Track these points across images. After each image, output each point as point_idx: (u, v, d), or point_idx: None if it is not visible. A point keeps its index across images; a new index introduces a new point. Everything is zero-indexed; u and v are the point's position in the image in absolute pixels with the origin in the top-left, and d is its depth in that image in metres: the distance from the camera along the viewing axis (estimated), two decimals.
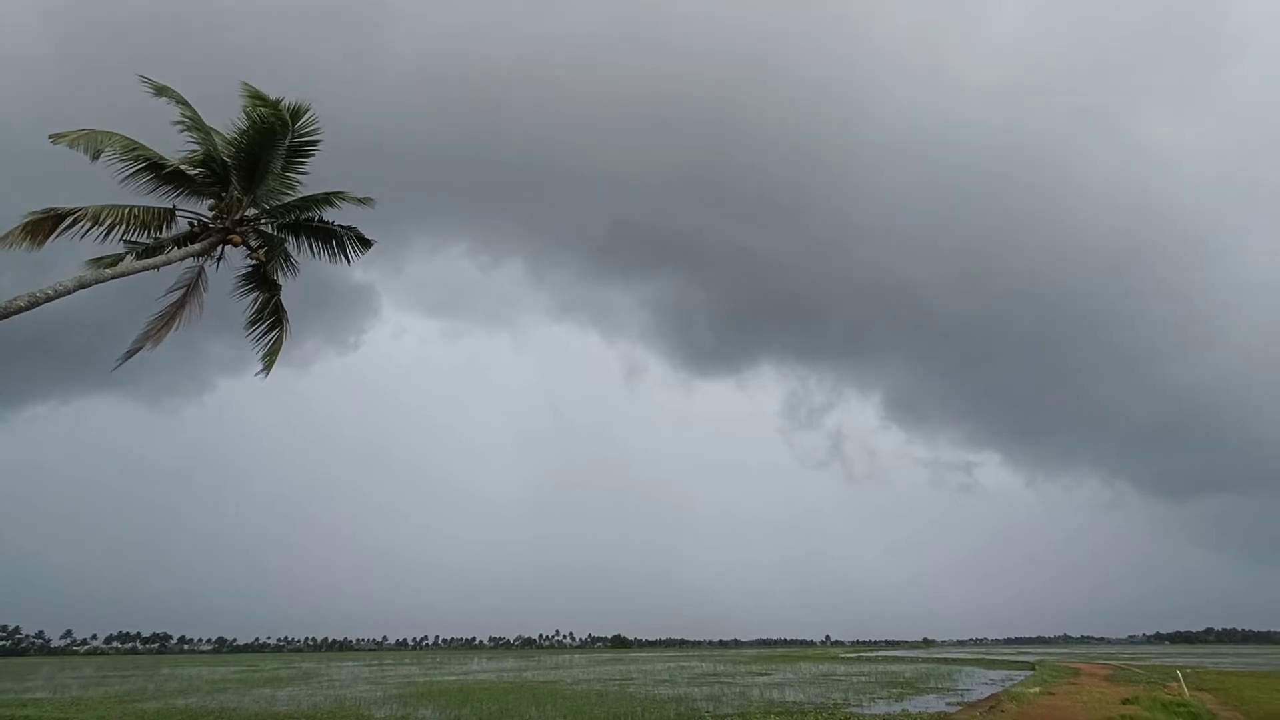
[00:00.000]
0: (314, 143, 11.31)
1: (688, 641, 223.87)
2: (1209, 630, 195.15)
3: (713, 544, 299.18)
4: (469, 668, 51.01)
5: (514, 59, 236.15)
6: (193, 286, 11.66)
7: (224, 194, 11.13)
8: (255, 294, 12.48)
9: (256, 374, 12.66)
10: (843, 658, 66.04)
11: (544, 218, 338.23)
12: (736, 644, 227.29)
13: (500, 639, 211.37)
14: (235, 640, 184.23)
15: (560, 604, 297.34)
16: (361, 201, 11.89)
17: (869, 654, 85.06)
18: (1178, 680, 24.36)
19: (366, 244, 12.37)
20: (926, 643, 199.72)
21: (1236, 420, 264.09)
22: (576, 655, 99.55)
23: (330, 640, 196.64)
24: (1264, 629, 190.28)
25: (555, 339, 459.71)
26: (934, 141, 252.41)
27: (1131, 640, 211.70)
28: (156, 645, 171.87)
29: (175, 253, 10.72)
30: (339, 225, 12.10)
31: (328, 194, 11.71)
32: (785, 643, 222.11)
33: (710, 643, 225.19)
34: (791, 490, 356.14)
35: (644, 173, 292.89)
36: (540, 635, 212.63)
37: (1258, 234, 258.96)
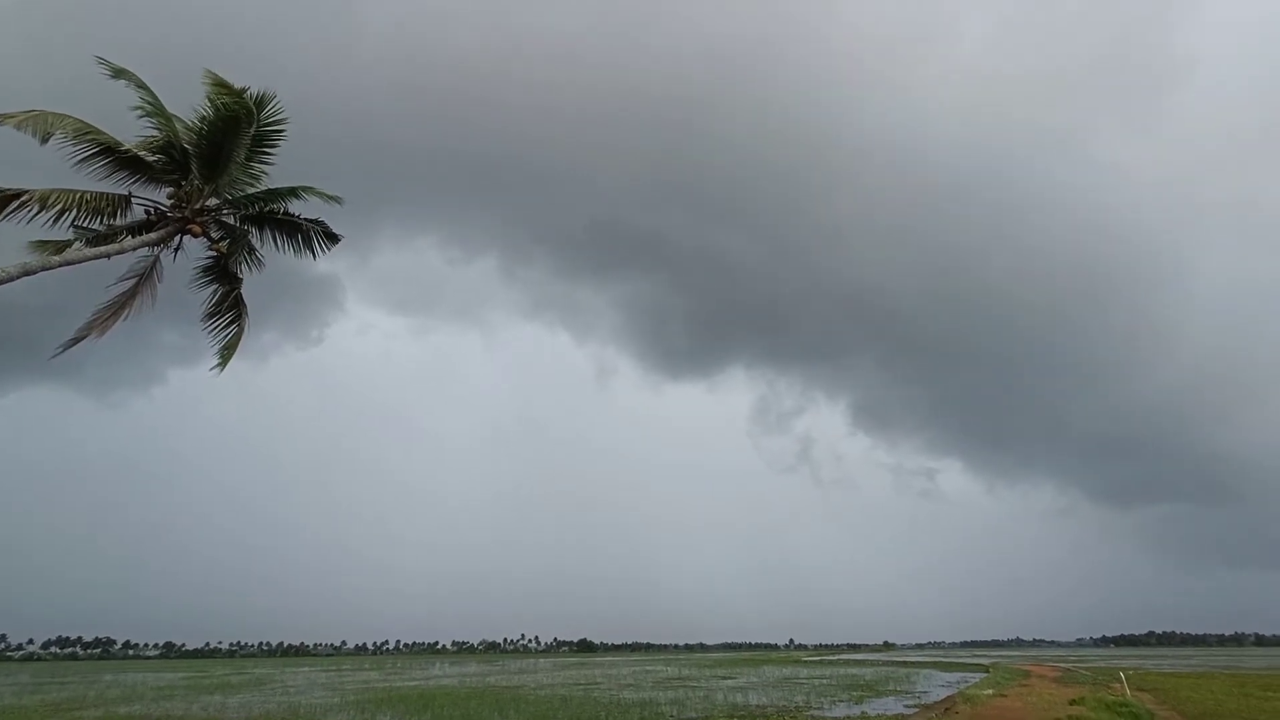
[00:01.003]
0: (280, 133, 11.00)
1: (654, 645, 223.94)
2: (1150, 633, 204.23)
3: (680, 548, 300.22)
4: (431, 673, 50.05)
5: (491, 50, 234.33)
6: (146, 276, 11.18)
7: (184, 182, 10.73)
8: (214, 286, 12.05)
9: (212, 369, 12.23)
10: (806, 661, 66.94)
11: (518, 213, 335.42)
12: (702, 648, 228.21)
13: (464, 643, 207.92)
14: (184, 645, 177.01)
15: (525, 608, 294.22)
16: (330, 198, 11.59)
17: (831, 657, 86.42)
18: (1120, 681, 25.50)
19: (334, 239, 12.02)
20: (887, 646, 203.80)
21: (1182, 433, 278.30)
22: (541, 659, 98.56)
23: (286, 645, 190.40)
24: (1200, 632, 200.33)
25: (526, 338, 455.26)
26: (904, 154, 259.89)
27: (1079, 643, 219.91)
28: (99, 650, 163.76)
29: (129, 241, 10.28)
30: (305, 219, 11.72)
31: (294, 187, 11.38)
32: (750, 646, 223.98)
33: (676, 647, 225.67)
34: (759, 494, 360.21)
35: (620, 171, 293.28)
36: (505, 639, 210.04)
37: (1205, 253, 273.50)
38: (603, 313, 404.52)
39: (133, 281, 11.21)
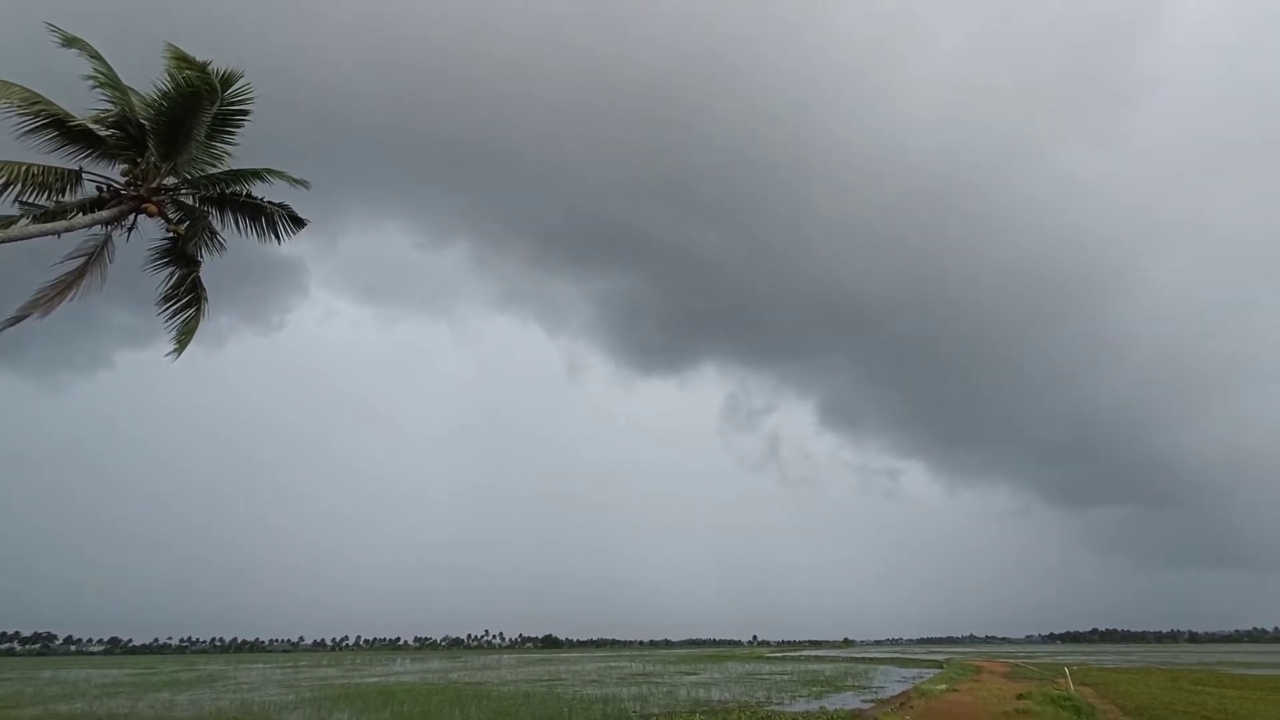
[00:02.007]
0: (245, 113, 10.63)
1: (619, 642, 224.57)
2: (1094, 630, 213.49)
3: (647, 544, 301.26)
4: (392, 669, 49.23)
5: (470, 28, 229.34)
6: (96, 255, 10.68)
7: (140, 160, 10.28)
8: (172, 269, 11.59)
9: (167, 354, 11.77)
10: (768, 657, 68.02)
11: (492, 200, 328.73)
12: (667, 644, 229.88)
13: (426, 639, 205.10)
14: (131, 641, 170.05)
15: (490, 604, 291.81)
16: (296, 182, 11.20)
17: (793, 653, 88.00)
18: (1065, 676, 26.66)
19: (299, 223, 11.63)
20: (847, 642, 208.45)
21: (1131, 438, 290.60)
22: (505, 656, 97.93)
23: (240, 641, 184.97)
24: (1139, 629, 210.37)
25: (496, 330, 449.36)
26: (881, 160, 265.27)
27: (1029, 640, 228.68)
28: (38, 646, 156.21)
29: (80, 218, 9.81)
30: (269, 202, 11.31)
31: (258, 169, 10.98)
32: (714, 643, 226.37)
33: (641, 643, 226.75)
34: (727, 492, 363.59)
35: (599, 162, 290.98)
36: (469, 636, 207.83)
37: (1157, 267, 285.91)
38: (576, 306, 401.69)
39: (81, 260, 10.71)
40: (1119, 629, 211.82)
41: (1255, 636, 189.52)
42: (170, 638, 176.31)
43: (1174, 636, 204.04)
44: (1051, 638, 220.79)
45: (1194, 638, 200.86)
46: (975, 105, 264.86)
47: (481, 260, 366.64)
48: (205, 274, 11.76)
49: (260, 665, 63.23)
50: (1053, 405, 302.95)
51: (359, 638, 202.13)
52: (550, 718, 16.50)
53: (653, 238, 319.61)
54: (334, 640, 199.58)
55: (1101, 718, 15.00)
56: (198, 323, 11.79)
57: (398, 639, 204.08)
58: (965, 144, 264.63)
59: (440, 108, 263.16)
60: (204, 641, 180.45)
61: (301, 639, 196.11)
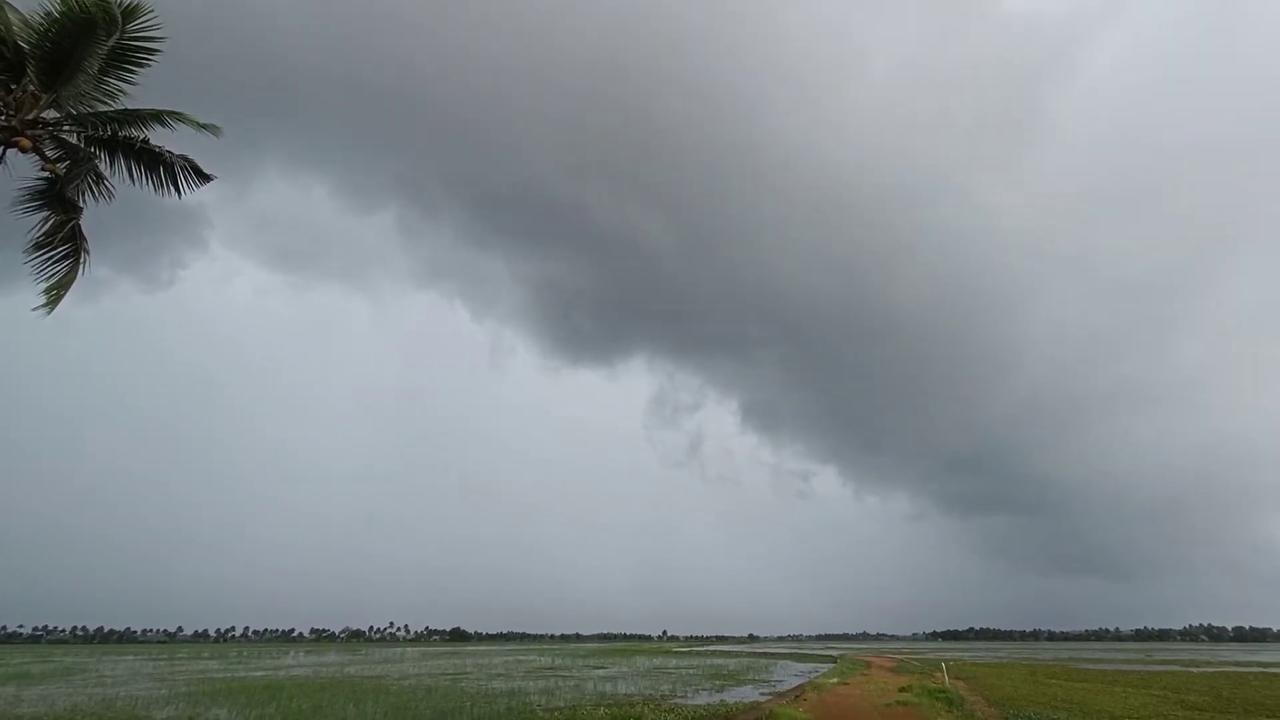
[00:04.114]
0: (151, 51, 9.62)
1: (530, 635, 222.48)
2: (971, 629, 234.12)
3: (562, 537, 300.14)
4: (282, 662, 46.29)
5: None
6: None
7: (14, 86, 9.08)
8: (47, 214, 10.30)
9: (37, 308, 10.45)
10: (676, 652, 69.56)
11: (426, 166, 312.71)
12: (578, 638, 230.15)
13: (324, 631, 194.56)
14: None
15: (396, 595, 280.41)
16: (204, 127, 10.16)
17: (700, 648, 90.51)
18: (942, 671, 29.08)
19: (204, 178, 10.54)
20: (751, 638, 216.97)
21: (1016, 455, 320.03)
22: (409, 649, 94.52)
23: (107, 630, 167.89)
24: (1008, 628, 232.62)
25: (419, 306, 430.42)
26: (818, 170, 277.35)
27: (915, 637, 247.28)
28: None
29: None
30: (170, 152, 10.20)
31: (159, 111, 9.89)
32: (625, 637, 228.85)
33: (553, 636, 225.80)
34: (646, 487, 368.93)
35: (544, 136, 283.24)
36: (371, 628, 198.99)
37: (1045, 298, 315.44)
38: (507, 287, 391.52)
39: None
40: (991, 628, 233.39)
41: (1100, 635, 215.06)
42: (21, 626, 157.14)
43: (1036, 635, 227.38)
44: (934, 635, 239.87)
45: (1052, 636, 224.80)
46: (902, 129, 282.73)
47: (410, 229, 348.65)
48: (87, 219, 10.52)
49: (130, 657, 57.67)
50: (955, 420, 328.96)
51: (247, 629, 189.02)
52: (451, 712, 16.08)
53: (594, 221, 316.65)
54: (218, 631, 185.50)
55: (970, 708, 16.49)
56: (75, 275, 10.52)
57: (292, 631, 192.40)
58: (891, 165, 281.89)
59: (378, 55, 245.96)
60: (62, 630, 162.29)
61: (180, 629, 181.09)
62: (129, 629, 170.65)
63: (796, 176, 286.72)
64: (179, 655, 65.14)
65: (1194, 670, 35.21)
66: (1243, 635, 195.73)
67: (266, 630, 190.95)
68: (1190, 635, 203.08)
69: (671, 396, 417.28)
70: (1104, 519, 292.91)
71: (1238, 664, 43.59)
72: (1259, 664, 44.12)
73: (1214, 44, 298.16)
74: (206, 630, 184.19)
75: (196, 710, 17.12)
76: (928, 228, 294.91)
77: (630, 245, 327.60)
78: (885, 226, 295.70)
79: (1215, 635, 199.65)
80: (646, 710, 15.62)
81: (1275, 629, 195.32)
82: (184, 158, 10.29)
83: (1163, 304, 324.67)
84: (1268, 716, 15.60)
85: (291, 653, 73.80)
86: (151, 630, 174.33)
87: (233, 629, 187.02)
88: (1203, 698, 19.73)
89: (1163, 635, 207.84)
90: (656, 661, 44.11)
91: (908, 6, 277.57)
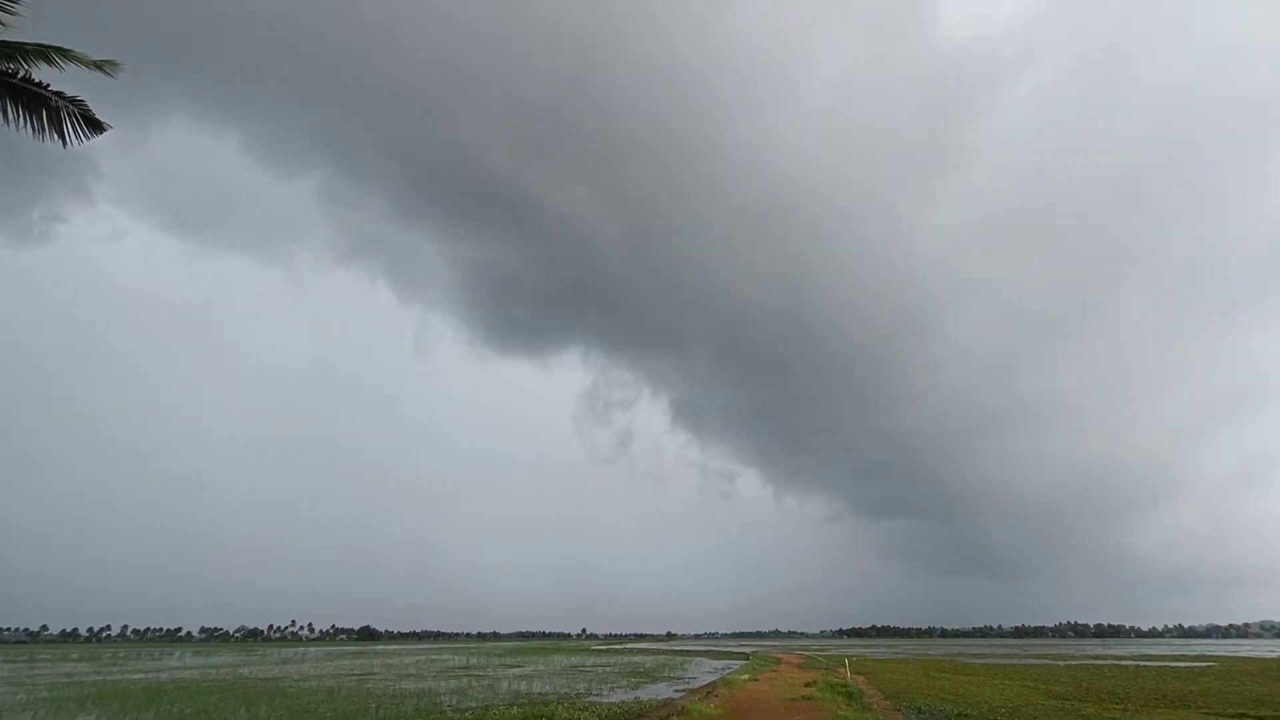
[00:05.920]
0: None
1: (445, 634, 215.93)
2: (873, 627, 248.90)
3: (481, 533, 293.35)
4: (166, 664, 42.52)
5: None
6: None
7: None
8: None
9: None
10: (594, 650, 69.62)
11: (355, 127, 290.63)
12: (495, 636, 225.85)
13: (216, 630, 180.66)
14: None
15: (298, 591, 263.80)
16: (99, 66, 8.98)
17: (618, 646, 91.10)
18: (845, 667, 30.75)
19: (97, 127, 9.29)
20: (669, 636, 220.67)
21: (924, 462, 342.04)
22: (313, 648, 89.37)
23: None
24: (906, 625, 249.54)
25: (338, 284, 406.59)
26: (758, 172, 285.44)
27: (822, 635, 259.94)
28: None
29: None
30: (55, 93, 8.96)
31: (44, 46, 8.70)
32: (543, 635, 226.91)
33: (469, 635, 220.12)
34: (573, 483, 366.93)
35: (487, 107, 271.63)
36: (270, 627, 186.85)
37: (955, 317, 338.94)
38: (436, 268, 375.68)
39: None
40: (892, 625, 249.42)
41: (984, 632, 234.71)
42: None
43: (930, 632, 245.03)
44: (841, 633, 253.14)
45: (944, 633, 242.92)
46: (839, 143, 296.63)
47: (334, 196, 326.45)
48: None
49: None
50: (873, 426, 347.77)
51: (126, 628, 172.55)
52: (354, 715, 15.32)
53: (533, 202, 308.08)
54: (90, 630, 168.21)
55: (868, 701, 17.52)
56: None
57: (178, 630, 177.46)
58: (826, 177, 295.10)
59: None
60: None
61: (44, 628, 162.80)
62: None
63: (739, 181, 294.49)
64: (41, 656, 58.41)
65: (1061, 664, 39.17)
66: (1102, 632, 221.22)
67: (149, 630, 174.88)
68: (1060, 632, 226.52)
69: (604, 392, 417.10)
70: (994, 525, 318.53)
71: (1096, 658, 48.91)
72: (1114, 657, 49.72)
73: (1108, 92, 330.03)
74: (76, 629, 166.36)
75: (59, 717, 15.40)
76: (856, 240, 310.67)
77: (571, 231, 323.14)
78: (824, 232, 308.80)
79: (1080, 632, 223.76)
80: (560, 709, 15.52)
81: (1127, 626, 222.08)
82: (74, 101, 9.03)
83: (1055, 329, 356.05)
84: (1117, 702, 17.59)
85: (177, 653, 67.93)
86: (9, 630, 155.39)
87: (108, 628, 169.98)
88: (1066, 688, 22.00)
89: (1037, 632, 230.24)
90: (574, 660, 43.95)
91: (853, 23, 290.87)
